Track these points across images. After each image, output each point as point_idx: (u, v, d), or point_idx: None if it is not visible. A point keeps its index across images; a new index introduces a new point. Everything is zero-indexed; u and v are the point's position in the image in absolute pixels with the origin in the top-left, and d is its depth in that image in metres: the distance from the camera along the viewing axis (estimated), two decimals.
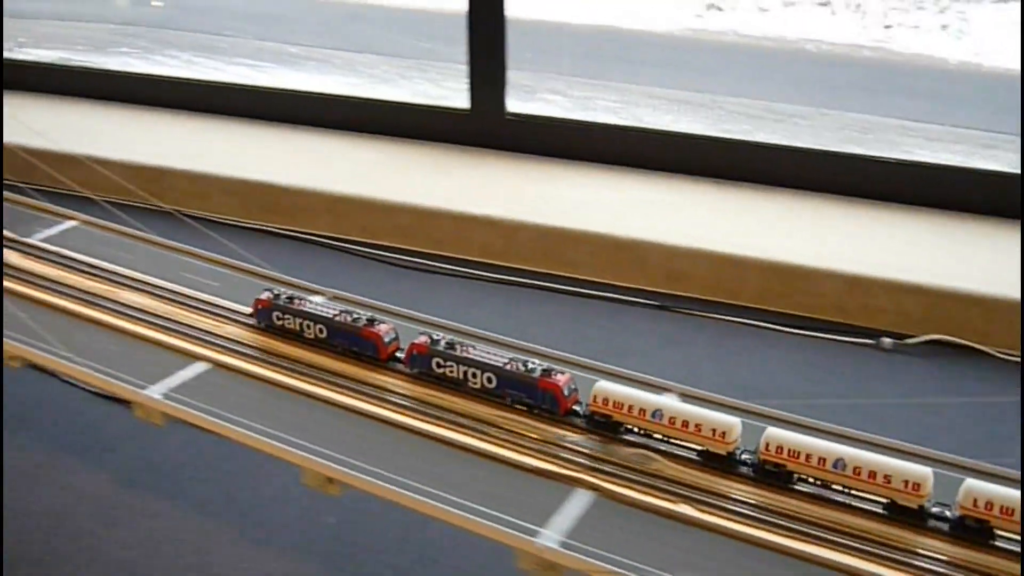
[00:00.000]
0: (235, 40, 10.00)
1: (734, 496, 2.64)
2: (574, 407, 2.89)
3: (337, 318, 3.15)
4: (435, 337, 3.04)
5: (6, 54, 7.23)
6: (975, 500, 2.46)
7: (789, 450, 2.62)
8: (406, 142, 6.08)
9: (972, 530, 2.48)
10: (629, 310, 4.95)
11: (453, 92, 9.81)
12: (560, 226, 5.18)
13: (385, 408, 2.97)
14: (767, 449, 2.64)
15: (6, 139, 4.90)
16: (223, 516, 3.70)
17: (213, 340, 3.28)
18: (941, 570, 2.41)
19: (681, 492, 2.66)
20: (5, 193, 4.10)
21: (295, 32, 10.54)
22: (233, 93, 6.65)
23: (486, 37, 5.76)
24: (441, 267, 5.29)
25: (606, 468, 2.73)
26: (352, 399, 3.00)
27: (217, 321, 3.39)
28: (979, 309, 4.55)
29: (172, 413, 2.93)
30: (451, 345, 3.00)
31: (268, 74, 8.88)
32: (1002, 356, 4.47)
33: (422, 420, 2.92)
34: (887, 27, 12.71)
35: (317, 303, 3.25)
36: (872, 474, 2.54)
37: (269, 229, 5.64)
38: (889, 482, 2.52)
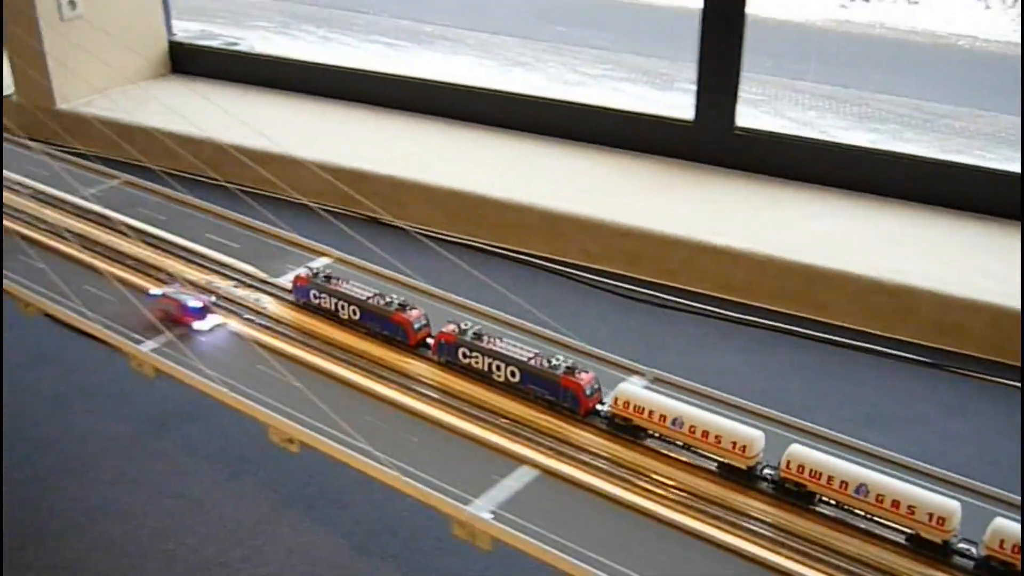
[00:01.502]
0: (370, 18, 9.79)
1: (753, 514, 2.56)
2: (596, 407, 2.86)
3: (370, 301, 3.16)
4: (463, 326, 3.02)
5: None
6: (1002, 542, 2.32)
7: (811, 470, 2.53)
8: (621, 153, 5.60)
9: (997, 572, 2.33)
10: (894, 366, 4.40)
11: (587, 78, 9.37)
12: (811, 263, 4.65)
13: (404, 394, 2.98)
14: (788, 467, 2.55)
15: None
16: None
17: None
18: None
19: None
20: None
21: (430, 10, 10.27)
22: (426, 89, 6.21)
23: (721, 40, 5.20)
24: (674, 301, 4.78)
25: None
26: (370, 380, 3.03)
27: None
28: None
29: (163, 369, 3.09)
30: (478, 335, 2.97)
31: (404, 52, 8.61)
32: None
33: (440, 408, 2.92)
34: None
35: (354, 285, 3.24)
36: (896, 503, 2.44)
37: (475, 244, 5.18)
38: (913, 514, 2.42)
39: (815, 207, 5.12)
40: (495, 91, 6.15)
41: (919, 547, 2.43)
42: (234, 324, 3.26)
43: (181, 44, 7.05)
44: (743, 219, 5.00)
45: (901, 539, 2.45)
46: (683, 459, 2.71)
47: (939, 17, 11.71)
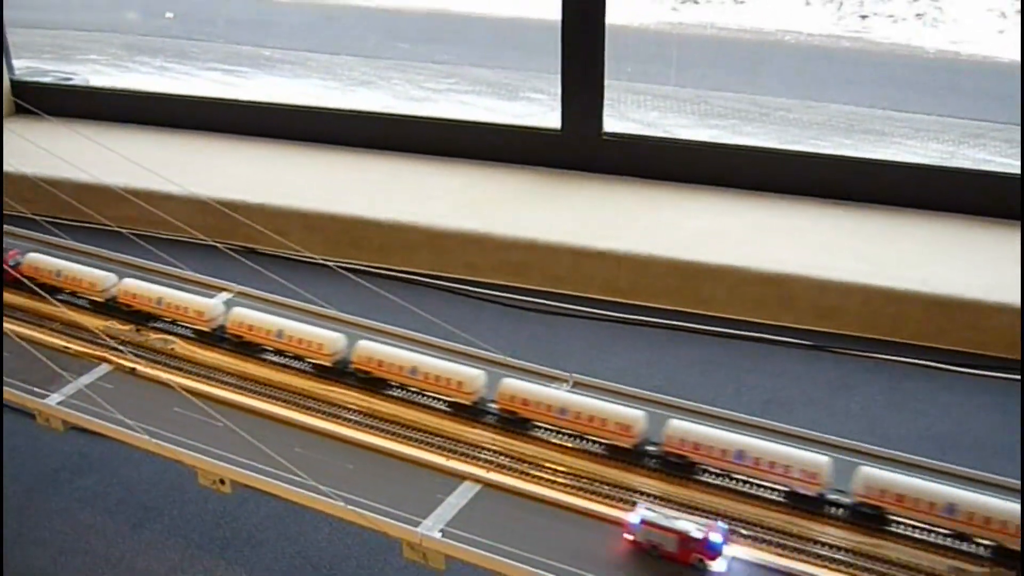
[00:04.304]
0: (207, 45, 9.61)
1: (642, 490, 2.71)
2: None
3: None
4: None
5: None
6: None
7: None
8: (494, 166, 5.64)
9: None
10: (779, 352, 4.57)
11: (433, 93, 9.44)
12: (691, 260, 4.79)
13: (331, 422, 2.99)
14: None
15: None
16: None
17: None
18: (838, 556, 2.50)
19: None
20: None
21: (269, 35, 10.14)
22: (291, 115, 6.11)
23: (583, 49, 5.31)
24: (561, 307, 4.84)
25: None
26: (294, 411, 3.04)
27: None
28: None
29: (75, 421, 3.00)
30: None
31: (245, 79, 8.48)
32: None
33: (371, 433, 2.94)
34: (863, 17, 12.59)
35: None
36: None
37: (359, 267, 5.11)
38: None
39: (688, 205, 5.28)
40: (359, 112, 6.12)
41: (796, 502, 2.63)
42: (142, 368, 3.16)
43: (25, 83, 6.74)
44: (621, 222, 5.11)
45: (779, 496, 2.64)
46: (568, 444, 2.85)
47: (764, 15, 12.18)
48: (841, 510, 2.61)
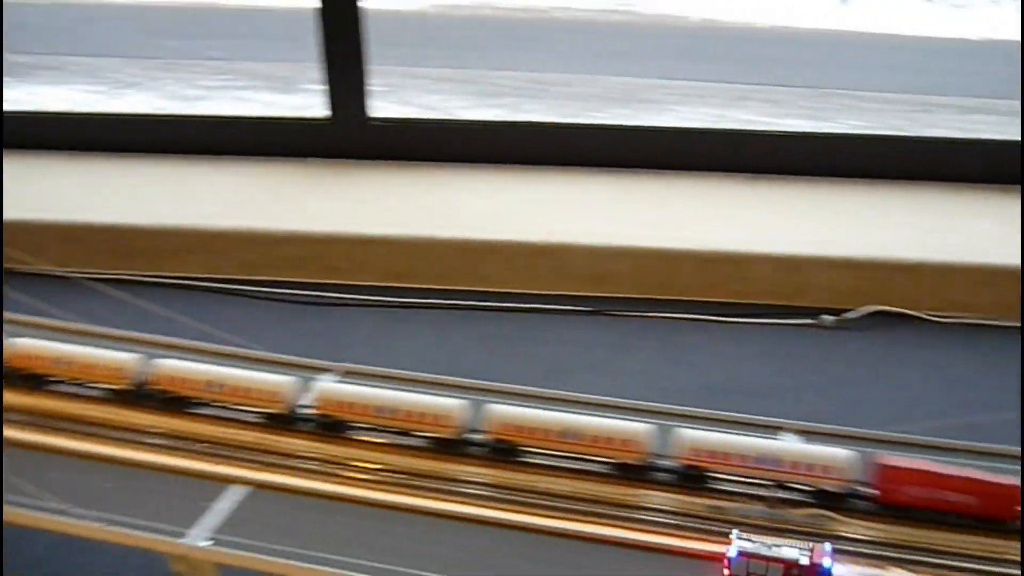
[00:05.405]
0: None
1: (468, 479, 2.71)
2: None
3: None
4: None
5: None
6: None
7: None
8: (263, 161, 5.50)
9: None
10: (559, 320, 4.65)
11: (207, 91, 9.20)
12: (468, 238, 4.82)
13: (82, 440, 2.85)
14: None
15: None
16: None
17: None
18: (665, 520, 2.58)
19: None
20: None
21: (21, 39, 9.63)
22: (48, 123, 5.78)
23: (342, 36, 5.24)
24: (341, 298, 4.78)
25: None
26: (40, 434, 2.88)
27: None
28: (905, 275, 4.59)
29: None
30: None
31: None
32: (935, 319, 4.53)
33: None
34: None
35: None
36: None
37: (127, 278, 4.91)
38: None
39: (462, 185, 5.30)
40: (123, 115, 5.90)
41: (626, 472, 2.67)
42: None
43: None
44: (396, 207, 5.08)
45: (608, 469, 2.68)
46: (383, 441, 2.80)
47: None
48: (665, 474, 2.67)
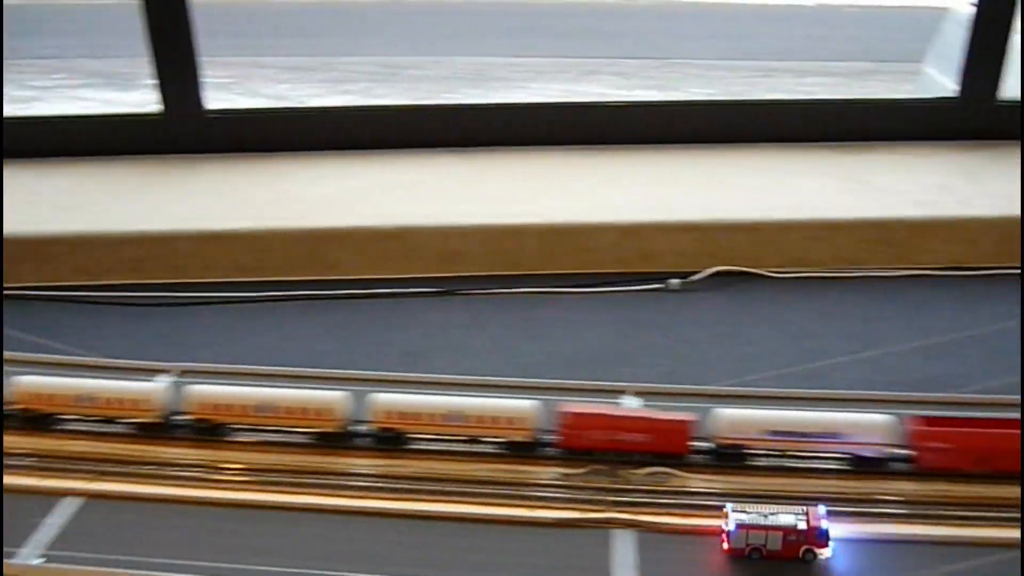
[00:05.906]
0: None
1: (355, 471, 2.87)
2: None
3: None
4: None
5: None
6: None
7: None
8: (98, 160, 5.29)
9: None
10: (411, 303, 4.63)
11: (40, 91, 8.86)
12: (314, 227, 4.75)
13: None
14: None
15: None
16: None
17: None
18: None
19: None
20: None
21: None
22: None
23: (169, 28, 5.09)
24: (186, 297, 4.66)
25: None
26: None
27: None
28: (745, 235, 4.71)
29: None
30: None
31: None
32: (776, 276, 4.67)
33: None
34: None
35: None
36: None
37: None
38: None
39: (306, 174, 5.22)
40: None
41: (515, 451, 2.82)
42: None
43: None
44: (238, 200, 4.98)
45: (501, 449, 2.82)
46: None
47: None
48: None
